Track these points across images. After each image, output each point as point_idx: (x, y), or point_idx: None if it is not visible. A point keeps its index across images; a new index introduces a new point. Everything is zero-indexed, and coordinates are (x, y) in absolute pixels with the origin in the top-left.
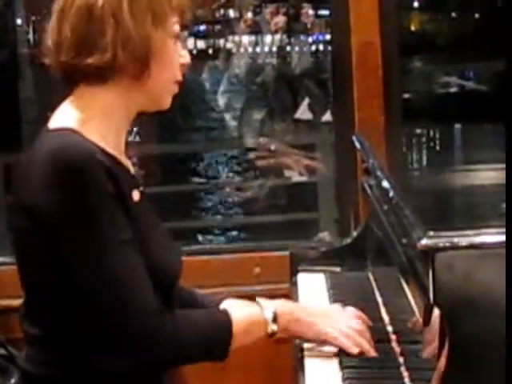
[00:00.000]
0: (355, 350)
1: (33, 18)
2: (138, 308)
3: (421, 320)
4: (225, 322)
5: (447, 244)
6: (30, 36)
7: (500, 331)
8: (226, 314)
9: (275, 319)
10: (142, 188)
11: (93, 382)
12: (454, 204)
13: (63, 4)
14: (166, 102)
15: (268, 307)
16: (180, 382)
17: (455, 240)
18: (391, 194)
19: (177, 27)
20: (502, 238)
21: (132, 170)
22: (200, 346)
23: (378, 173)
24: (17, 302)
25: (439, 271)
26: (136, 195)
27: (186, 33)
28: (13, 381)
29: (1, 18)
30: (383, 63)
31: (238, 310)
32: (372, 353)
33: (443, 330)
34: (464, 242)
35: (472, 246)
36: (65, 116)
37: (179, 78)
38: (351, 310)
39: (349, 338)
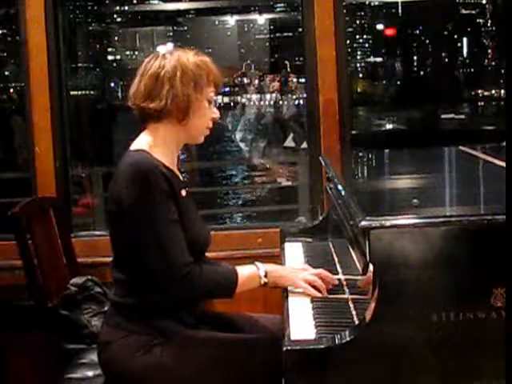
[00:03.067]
0: (318, 294)
1: (121, 82)
2: (177, 260)
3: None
4: (233, 275)
5: (378, 225)
6: (119, 94)
7: (409, 279)
8: (234, 269)
9: (266, 275)
10: (187, 188)
11: (151, 307)
12: (383, 199)
13: (142, 71)
14: (200, 140)
15: (261, 267)
16: (210, 305)
17: (383, 222)
18: (343, 193)
19: (212, 94)
20: (413, 221)
21: (181, 177)
22: (216, 287)
23: (335, 180)
24: (109, 259)
25: (373, 242)
26: (183, 192)
27: (217, 97)
28: (106, 308)
29: (101, 82)
30: (339, 112)
31: (242, 268)
32: (325, 293)
33: (375, 278)
34: (388, 223)
35: (394, 226)
36: (140, 142)
37: (210, 126)
38: (311, 269)
39: (312, 286)
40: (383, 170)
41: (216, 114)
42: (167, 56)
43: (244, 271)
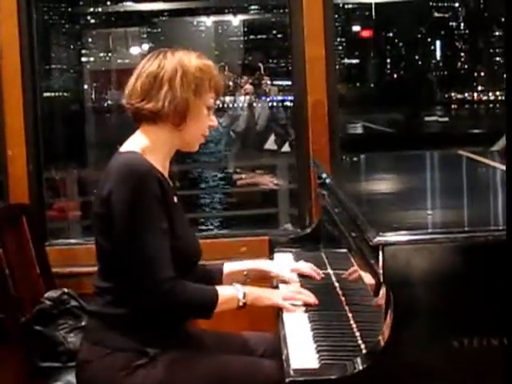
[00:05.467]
0: (294, 310)
1: (94, 84)
2: (159, 273)
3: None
4: (213, 296)
5: (393, 241)
6: (93, 96)
7: (425, 299)
8: (215, 290)
9: (244, 297)
10: (177, 194)
11: (136, 318)
12: (387, 209)
13: (140, 69)
14: (195, 147)
15: (240, 289)
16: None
17: (399, 238)
18: (345, 201)
19: (212, 101)
20: (432, 236)
21: (171, 183)
22: (195, 306)
23: (332, 186)
24: (86, 269)
25: (387, 260)
26: (175, 199)
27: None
28: (83, 323)
29: (75, 85)
30: (328, 113)
31: (222, 289)
32: (312, 299)
33: (389, 299)
34: (405, 239)
35: (411, 242)
36: (131, 144)
37: (206, 133)
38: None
39: (291, 299)
40: (378, 176)
41: (214, 122)
42: (168, 56)
43: (223, 292)
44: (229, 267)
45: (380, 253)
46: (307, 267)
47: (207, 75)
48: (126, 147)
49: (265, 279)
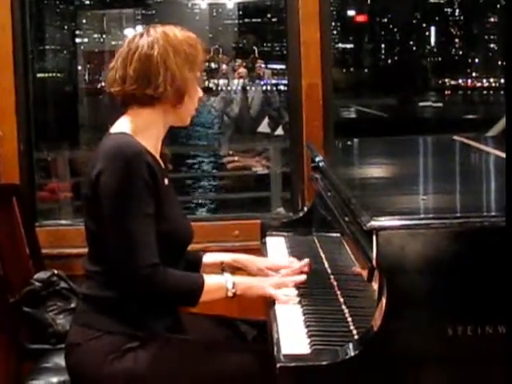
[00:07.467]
0: (287, 301)
1: (88, 65)
2: (141, 259)
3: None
4: (198, 285)
5: (388, 225)
6: (86, 77)
7: (419, 285)
8: (201, 278)
9: (233, 287)
10: (168, 176)
11: (127, 301)
12: (382, 194)
13: (127, 52)
14: (188, 121)
15: (229, 279)
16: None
17: (393, 222)
18: (340, 186)
19: (198, 74)
20: (428, 221)
21: (163, 164)
22: (178, 295)
23: (326, 169)
24: (76, 251)
25: (381, 245)
26: (166, 181)
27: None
28: (73, 305)
29: (68, 66)
30: (323, 97)
31: (210, 277)
32: (301, 278)
33: (382, 285)
34: (400, 223)
35: (406, 227)
36: (122, 125)
37: (196, 106)
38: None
39: (282, 286)
40: (371, 160)
41: (201, 93)
42: (151, 33)
43: (210, 281)
44: (207, 258)
45: (374, 237)
46: (285, 261)
47: (195, 49)
48: (116, 128)
49: (243, 271)
